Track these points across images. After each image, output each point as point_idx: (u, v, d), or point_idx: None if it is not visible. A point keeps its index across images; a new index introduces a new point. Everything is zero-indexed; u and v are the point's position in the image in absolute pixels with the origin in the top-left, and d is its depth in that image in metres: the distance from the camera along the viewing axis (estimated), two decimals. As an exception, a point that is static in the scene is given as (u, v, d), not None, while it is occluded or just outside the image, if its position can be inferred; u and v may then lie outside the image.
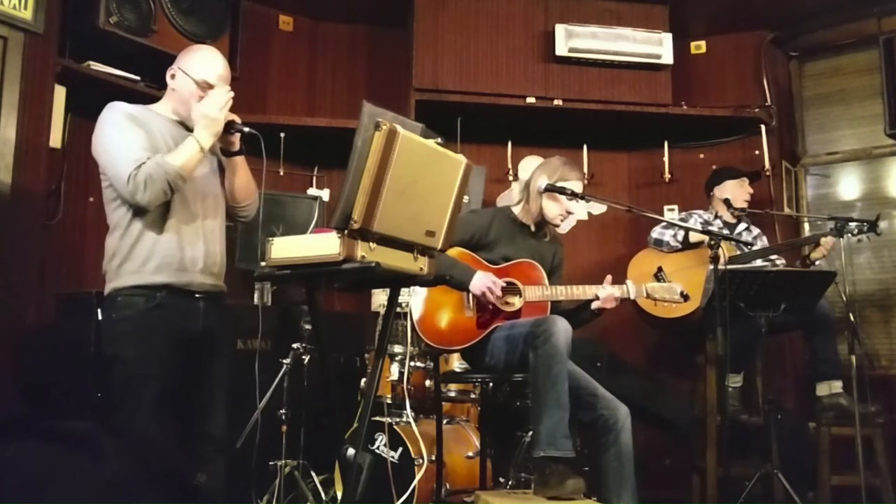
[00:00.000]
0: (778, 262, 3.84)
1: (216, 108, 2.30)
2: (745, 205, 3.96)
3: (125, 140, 2.25)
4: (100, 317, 2.44)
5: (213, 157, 2.49)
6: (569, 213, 2.98)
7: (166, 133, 2.36)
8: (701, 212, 4.02)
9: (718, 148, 4.67)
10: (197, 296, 2.36)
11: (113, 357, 2.27)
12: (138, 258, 2.27)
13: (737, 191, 3.97)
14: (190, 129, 2.34)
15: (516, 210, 3.06)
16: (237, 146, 2.43)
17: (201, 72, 2.38)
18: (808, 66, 4.77)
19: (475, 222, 2.98)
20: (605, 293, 2.82)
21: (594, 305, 2.86)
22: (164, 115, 2.42)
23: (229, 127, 2.36)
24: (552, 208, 2.96)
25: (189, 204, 2.35)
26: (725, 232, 3.82)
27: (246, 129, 2.38)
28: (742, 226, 4.00)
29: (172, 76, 2.42)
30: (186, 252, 2.32)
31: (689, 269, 3.72)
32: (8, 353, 2.93)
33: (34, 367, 2.96)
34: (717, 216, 3.97)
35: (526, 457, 3.20)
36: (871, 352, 4.26)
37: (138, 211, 2.26)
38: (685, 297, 2.84)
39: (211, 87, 2.36)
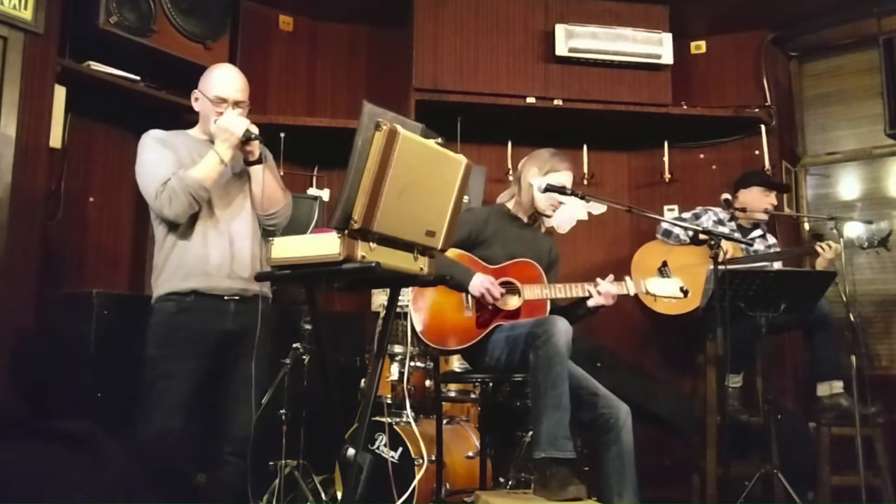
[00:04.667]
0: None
1: (233, 123, 2.45)
2: (763, 214, 3.90)
3: (152, 161, 2.47)
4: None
5: (243, 167, 2.59)
6: (560, 203, 2.99)
7: (193, 151, 2.51)
8: (717, 209, 3.99)
9: (718, 148, 4.66)
10: (226, 298, 2.46)
11: (144, 358, 2.44)
12: (171, 268, 2.46)
13: (759, 199, 3.91)
14: None
15: (510, 204, 3.08)
16: (256, 155, 2.51)
17: (213, 89, 2.56)
18: (808, 66, 4.76)
19: (471, 220, 2.99)
20: (604, 289, 2.82)
21: (591, 303, 2.85)
22: (195, 136, 2.62)
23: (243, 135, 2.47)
24: (543, 199, 2.97)
25: (215, 212, 2.49)
26: (737, 235, 3.79)
27: (253, 134, 2.47)
28: (758, 232, 3.96)
29: (196, 100, 2.62)
30: (212, 258, 2.46)
31: (694, 266, 3.71)
32: (8, 354, 2.93)
33: (34, 367, 2.96)
34: (732, 217, 3.94)
35: (526, 457, 3.20)
36: (871, 352, 4.26)
37: (170, 225, 2.46)
38: (685, 293, 2.83)
39: (224, 101, 2.53)
